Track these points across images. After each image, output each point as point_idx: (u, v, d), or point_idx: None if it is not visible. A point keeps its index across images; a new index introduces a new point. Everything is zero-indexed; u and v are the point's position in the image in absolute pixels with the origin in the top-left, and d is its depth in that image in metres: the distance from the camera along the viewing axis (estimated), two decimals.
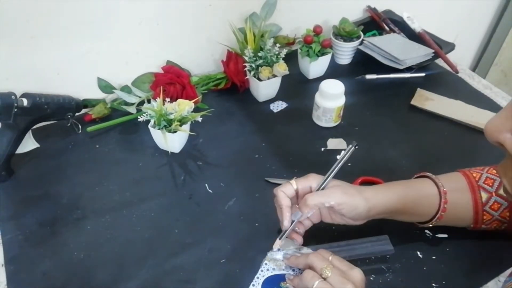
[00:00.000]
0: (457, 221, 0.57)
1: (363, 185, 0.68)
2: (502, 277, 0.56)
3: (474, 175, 0.56)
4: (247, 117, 0.83)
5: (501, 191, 0.53)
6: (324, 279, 0.46)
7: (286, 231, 0.55)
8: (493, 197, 0.54)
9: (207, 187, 0.70)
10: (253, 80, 0.83)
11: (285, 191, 0.54)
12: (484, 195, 0.54)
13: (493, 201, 0.54)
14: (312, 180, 0.55)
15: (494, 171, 0.56)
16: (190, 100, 0.73)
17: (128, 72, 0.85)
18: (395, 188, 0.56)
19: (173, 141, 0.73)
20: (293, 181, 0.55)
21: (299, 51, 0.89)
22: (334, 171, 0.55)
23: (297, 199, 0.56)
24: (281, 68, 0.81)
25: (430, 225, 0.57)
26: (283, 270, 0.54)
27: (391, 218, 0.56)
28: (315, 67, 0.89)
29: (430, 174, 0.58)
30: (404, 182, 0.58)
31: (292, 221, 0.54)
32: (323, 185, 0.54)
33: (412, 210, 0.55)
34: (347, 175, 0.70)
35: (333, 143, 0.77)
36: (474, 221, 0.56)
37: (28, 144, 0.74)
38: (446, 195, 0.54)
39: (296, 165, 0.73)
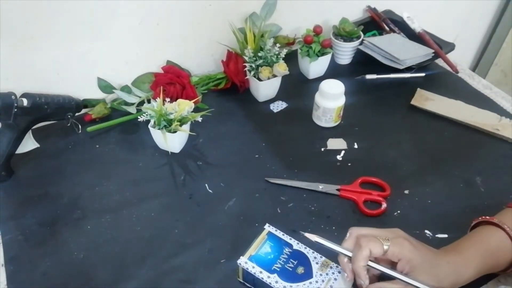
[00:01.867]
0: None
1: (363, 185, 0.68)
2: (502, 277, 0.56)
3: None
4: (247, 117, 0.83)
5: None
6: None
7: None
8: None
9: (207, 187, 0.70)
10: (253, 80, 0.83)
11: (373, 251, 0.48)
12: None
13: None
14: (405, 254, 0.48)
15: None
16: (190, 100, 0.73)
17: (128, 72, 0.85)
18: (474, 260, 0.50)
19: (173, 141, 0.73)
20: (386, 245, 0.48)
21: (299, 51, 0.89)
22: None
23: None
24: (281, 68, 0.81)
25: (501, 274, 0.54)
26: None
27: None
28: (315, 67, 0.89)
29: (494, 219, 0.53)
30: (479, 244, 0.52)
31: None
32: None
33: (487, 271, 0.52)
34: (348, 175, 0.70)
35: (333, 143, 0.77)
36: None
37: (28, 144, 0.74)
38: None
39: (296, 165, 0.73)
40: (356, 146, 0.76)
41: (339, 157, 0.74)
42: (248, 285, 0.56)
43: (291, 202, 0.67)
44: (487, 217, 0.54)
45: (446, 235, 0.61)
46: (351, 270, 0.49)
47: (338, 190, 0.68)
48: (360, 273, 0.48)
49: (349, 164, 0.73)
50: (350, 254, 0.49)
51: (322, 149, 0.76)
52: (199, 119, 0.73)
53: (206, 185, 0.70)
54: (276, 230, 0.56)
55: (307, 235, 0.51)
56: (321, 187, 0.68)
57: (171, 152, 0.75)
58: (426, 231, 0.61)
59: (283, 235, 0.56)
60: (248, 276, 0.53)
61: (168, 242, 0.62)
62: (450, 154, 0.74)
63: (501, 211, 0.56)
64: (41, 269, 0.59)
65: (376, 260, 0.49)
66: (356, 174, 0.70)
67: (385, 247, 0.47)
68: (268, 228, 0.56)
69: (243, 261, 0.53)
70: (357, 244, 0.49)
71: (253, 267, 0.52)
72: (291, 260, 0.53)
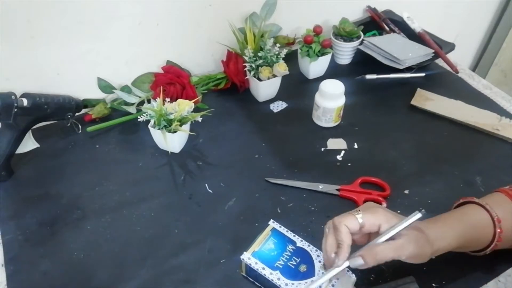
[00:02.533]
0: (510, 244, 0.54)
1: (363, 185, 0.68)
2: (502, 277, 0.56)
3: None
4: (247, 117, 0.83)
5: None
6: None
7: (332, 270, 0.48)
8: None
9: (207, 187, 0.70)
10: (253, 80, 0.83)
11: (349, 225, 0.48)
12: None
13: None
14: (381, 218, 0.49)
15: None
16: (190, 100, 0.73)
17: (128, 72, 0.85)
18: (454, 226, 0.51)
19: (173, 141, 0.73)
20: (359, 215, 0.49)
21: (299, 51, 0.89)
22: (408, 222, 0.48)
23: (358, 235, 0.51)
24: (281, 68, 0.81)
25: (482, 254, 0.54)
26: None
27: None
28: (315, 67, 0.89)
29: (477, 199, 0.54)
30: (459, 215, 0.54)
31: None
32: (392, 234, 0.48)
33: (468, 244, 0.53)
34: (348, 175, 0.70)
35: (333, 143, 0.77)
36: None
37: (28, 144, 0.74)
38: (500, 224, 0.51)
39: (296, 165, 0.73)
40: (356, 146, 0.76)
41: (339, 157, 0.74)
42: (251, 279, 0.56)
43: (291, 202, 0.67)
44: (468, 197, 0.56)
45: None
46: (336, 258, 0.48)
47: (338, 190, 0.68)
48: (343, 249, 0.48)
49: (349, 164, 0.73)
50: (345, 264, 0.48)
51: (322, 149, 0.76)
52: (199, 119, 0.73)
53: (206, 185, 0.70)
54: (280, 227, 0.57)
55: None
56: (321, 187, 0.68)
57: (171, 152, 0.75)
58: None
59: (287, 231, 0.56)
60: (251, 272, 0.54)
61: (168, 242, 0.62)
62: (450, 154, 0.74)
63: (487, 195, 0.56)
64: (41, 269, 0.59)
65: (355, 241, 0.50)
66: (356, 174, 0.70)
67: (360, 219, 0.48)
68: (272, 224, 0.57)
69: (247, 257, 0.53)
70: (333, 228, 0.49)
71: (256, 263, 0.52)
72: (294, 257, 0.53)
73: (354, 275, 0.52)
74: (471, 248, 0.54)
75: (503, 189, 0.56)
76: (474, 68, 1.47)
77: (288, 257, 0.53)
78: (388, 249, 0.47)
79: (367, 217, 0.49)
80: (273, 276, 0.51)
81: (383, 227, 0.49)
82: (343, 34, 0.92)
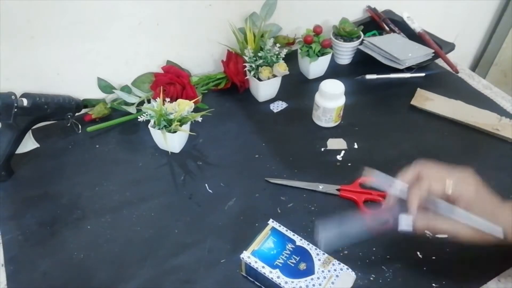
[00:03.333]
0: None
1: (363, 185, 0.68)
2: (502, 277, 0.56)
3: None
4: (247, 117, 0.83)
5: None
6: None
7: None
8: None
9: (207, 187, 0.70)
10: (253, 80, 0.83)
11: (434, 186, 0.47)
12: None
13: None
14: (466, 197, 0.47)
15: None
16: (190, 100, 0.73)
17: (128, 72, 0.85)
18: None
19: (173, 141, 0.73)
20: (448, 186, 0.47)
21: (299, 51, 0.89)
22: (485, 228, 0.47)
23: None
24: (281, 68, 0.81)
25: None
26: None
27: None
28: (315, 67, 0.89)
29: None
30: None
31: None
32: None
33: None
34: (348, 175, 0.70)
35: (333, 143, 0.77)
36: None
37: (28, 144, 0.74)
38: None
39: (296, 165, 0.73)
40: (356, 146, 0.76)
41: (339, 157, 0.74)
42: (251, 279, 0.56)
43: (291, 202, 0.67)
44: None
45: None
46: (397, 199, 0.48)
47: (338, 190, 0.68)
48: (412, 200, 0.47)
49: (349, 164, 0.73)
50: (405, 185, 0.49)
51: (322, 149, 0.76)
52: (199, 119, 0.73)
53: (206, 185, 0.70)
54: (279, 226, 0.57)
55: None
56: (321, 187, 0.68)
57: (171, 152, 0.75)
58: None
59: (286, 230, 0.56)
60: (251, 271, 0.54)
61: (168, 242, 0.62)
62: (450, 154, 0.74)
63: None
64: (41, 269, 0.59)
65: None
66: (356, 174, 0.70)
67: (447, 189, 0.47)
68: (271, 223, 0.57)
69: (246, 256, 0.53)
70: (421, 178, 0.49)
71: (256, 262, 0.52)
72: (293, 256, 0.53)
73: (354, 273, 0.53)
74: None
75: None
76: (474, 68, 1.47)
77: (287, 256, 0.53)
78: (445, 223, 0.48)
79: (454, 189, 0.47)
80: (273, 274, 0.51)
81: (459, 205, 0.48)
82: (343, 34, 0.92)
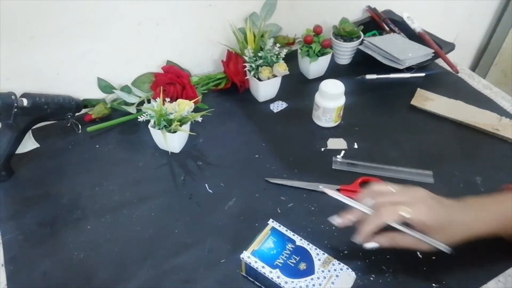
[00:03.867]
0: None
1: (363, 185, 0.68)
2: (502, 277, 0.56)
3: None
4: (247, 117, 0.83)
5: None
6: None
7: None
8: None
9: (207, 187, 0.70)
10: (253, 80, 0.83)
11: (389, 220, 0.51)
12: None
13: None
14: (421, 217, 0.50)
15: None
16: (190, 100, 0.73)
17: (128, 72, 0.85)
18: (491, 218, 0.52)
19: (173, 141, 0.73)
20: (403, 212, 0.50)
21: (299, 51, 0.89)
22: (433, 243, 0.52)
23: None
24: (281, 68, 0.81)
25: None
26: None
27: None
28: (315, 67, 0.89)
29: None
30: (499, 204, 0.54)
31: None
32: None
33: (506, 232, 0.53)
34: (348, 175, 0.70)
35: (333, 143, 0.77)
36: None
37: (28, 144, 0.74)
38: None
39: (296, 165, 0.73)
40: (356, 146, 0.76)
41: (339, 157, 0.74)
42: (251, 279, 0.56)
43: (291, 202, 0.67)
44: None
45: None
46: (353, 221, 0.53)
47: (338, 190, 0.68)
48: (365, 233, 0.51)
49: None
50: (368, 211, 0.52)
51: (322, 149, 0.76)
52: (199, 119, 0.73)
53: (206, 185, 0.70)
54: (279, 226, 0.57)
55: (327, 190, 0.56)
56: (321, 187, 0.68)
57: (171, 152, 0.75)
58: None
59: (286, 230, 0.56)
60: (251, 271, 0.54)
61: (168, 242, 0.62)
62: (450, 154, 0.74)
63: None
64: (41, 269, 0.59)
65: None
66: (356, 174, 0.70)
67: (403, 215, 0.50)
68: (271, 223, 0.57)
69: (246, 256, 0.53)
70: (376, 207, 0.52)
71: (256, 262, 0.52)
72: (293, 256, 0.53)
73: (354, 273, 0.53)
74: (508, 233, 0.54)
75: None
76: (474, 68, 1.47)
77: (287, 256, 0.53)
78: (409, 240, 0.52)
79: (415, 219, 0.50)
80: (273, 274, 0.51)
81: (416, 227, 0.51)
82: (343, 34, 0.92)
